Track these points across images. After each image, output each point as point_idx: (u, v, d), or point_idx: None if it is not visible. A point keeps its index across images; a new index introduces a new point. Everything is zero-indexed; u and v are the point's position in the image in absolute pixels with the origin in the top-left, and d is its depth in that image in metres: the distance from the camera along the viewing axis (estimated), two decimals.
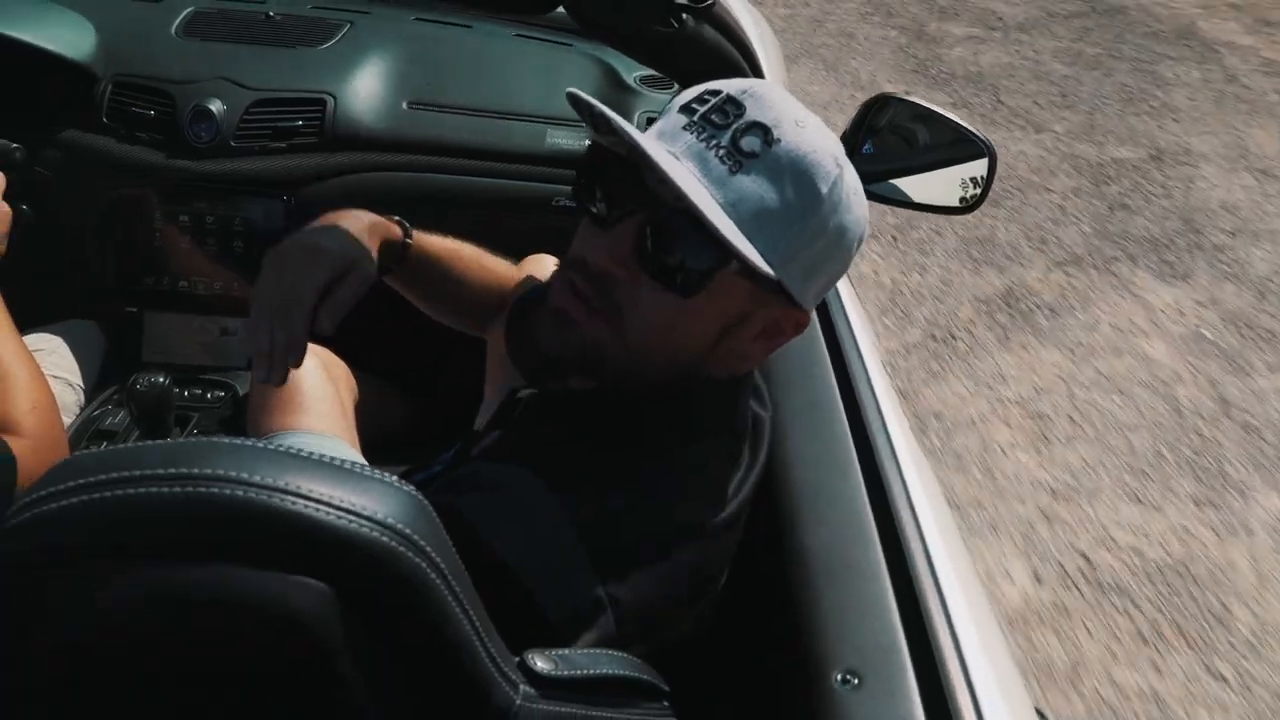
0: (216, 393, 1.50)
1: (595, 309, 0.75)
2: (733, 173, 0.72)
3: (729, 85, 0.76)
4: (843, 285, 1.13)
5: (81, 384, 1.48)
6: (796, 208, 0.72)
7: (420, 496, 0.48)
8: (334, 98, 1.51)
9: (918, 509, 0.82)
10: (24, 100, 1.50)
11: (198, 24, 1.62)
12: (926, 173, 1.39)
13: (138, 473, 0.43)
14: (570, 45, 1.69)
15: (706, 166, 0.72)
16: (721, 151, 0.72)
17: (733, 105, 0.73)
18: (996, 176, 1.31)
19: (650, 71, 1.59)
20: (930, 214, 1.46)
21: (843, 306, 1.09)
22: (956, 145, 1.34)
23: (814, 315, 1.05)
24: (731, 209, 0.71)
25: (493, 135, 1.51)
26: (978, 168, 1.32)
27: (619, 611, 0.69)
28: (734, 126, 0.72)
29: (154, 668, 0.45)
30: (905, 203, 1.38)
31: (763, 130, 0.72)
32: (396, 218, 1.02)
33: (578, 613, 0.67)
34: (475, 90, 1.56)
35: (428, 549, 0.47)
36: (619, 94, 1.57)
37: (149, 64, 1.53)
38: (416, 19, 1.70)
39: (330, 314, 0.87)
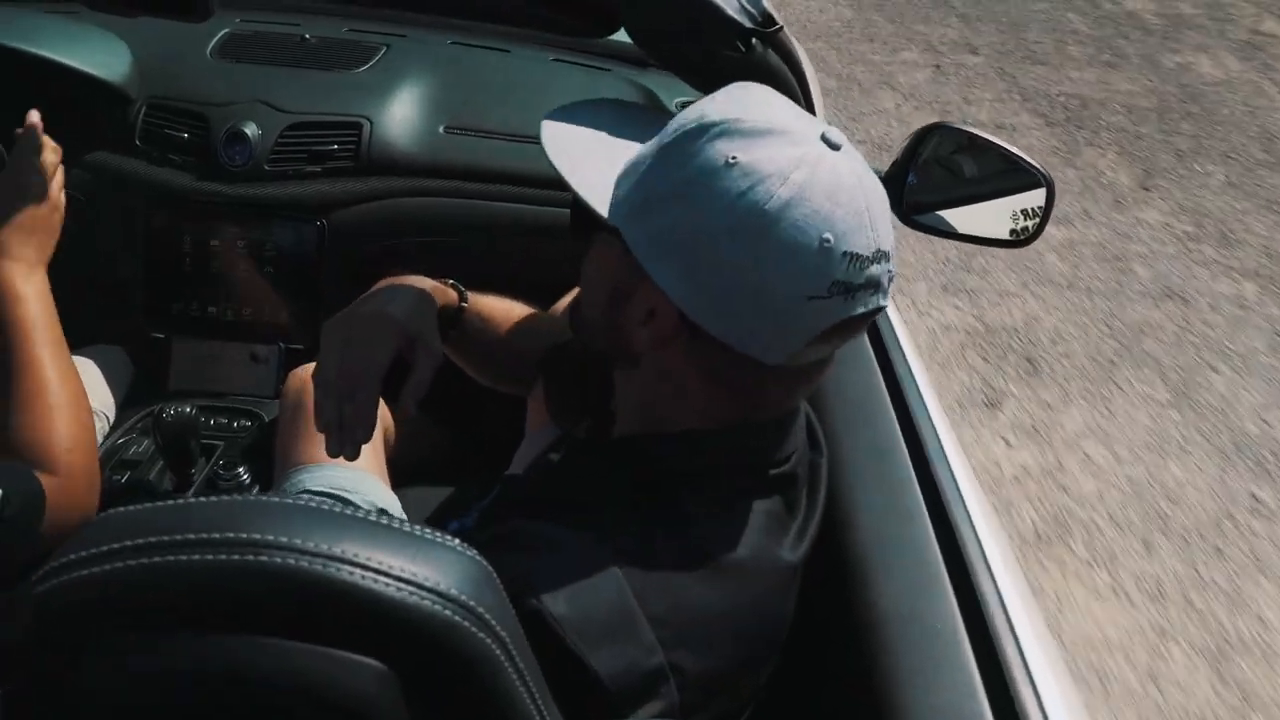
0: (243, 421, 1.46)
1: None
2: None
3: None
4: (898, 326, 1.09)
5: (106, 411, 1.45)
6: (647, 155, 0.71)
7: (484, 562, 0.44)
8: (370, 122, 1.48)
9: (990, 559, 0.77)
10: (56, 121, 1.48)
11: (233, 46, 1.60)
12: (977, 203, 1.35)
13: (180, 537, 0.39)
14: (609, 70, 1.66)
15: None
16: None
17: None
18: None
19: (692, 96, 1.55)
20: (982, 246, 1.41)
21: (900, 345, 1.04)
22: (1010, 175, 1.30)
23: (872, 356, 1.01)
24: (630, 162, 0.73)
25: (530, 161, 1.48)
26: (1033, 198, 1.28)
27: (681, 680, 0.66)
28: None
29: None
30: (952, 234, 1.33)
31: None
32: (451, 281, 1.01)
33: (638, 685, 0.64)
34: (513, 115, 1.53)
35: (492, 622, 0.43)
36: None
37: (183, 86, 1.51)
38: (453, 42, 1.68)
39: (411, 398, 0.87)
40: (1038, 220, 1.29)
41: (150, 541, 0.39)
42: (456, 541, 0.43)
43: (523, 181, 1.47)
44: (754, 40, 0.83)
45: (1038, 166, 1.27)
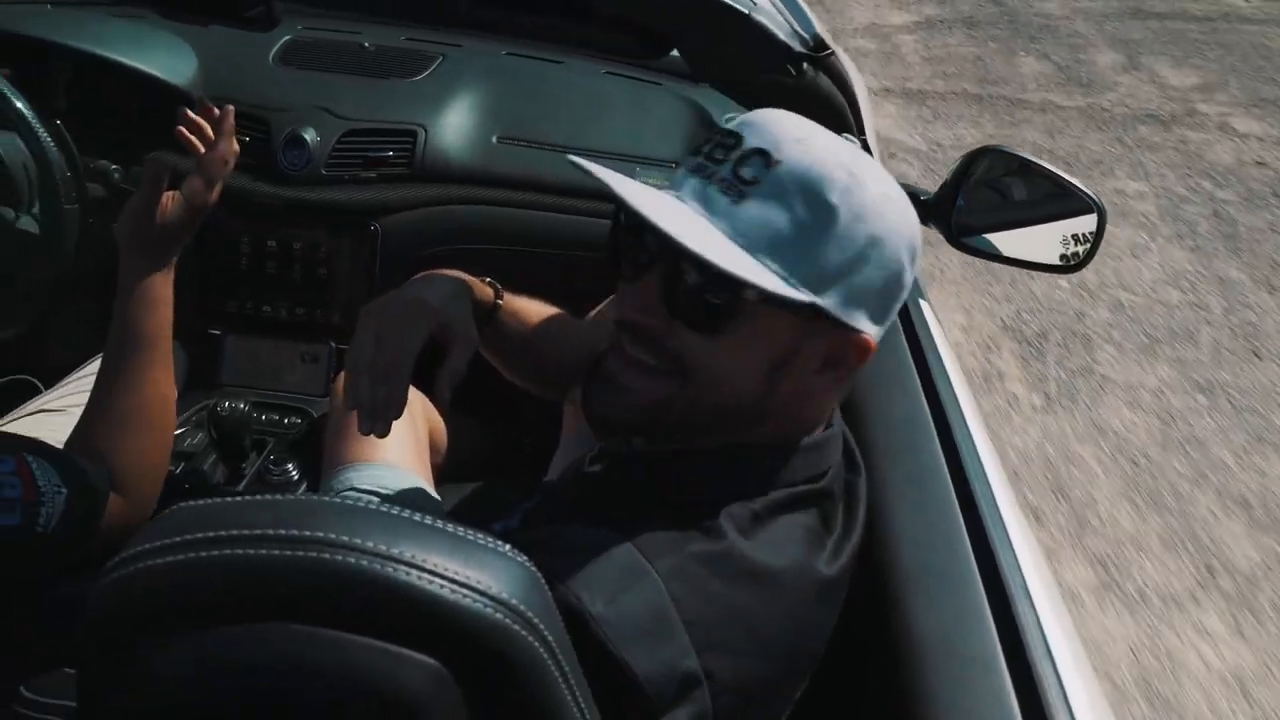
0: (293, 418, 1.49)
1: (658, 370, 0.75)
2: (735, 203, 0.70)
3: (730, 122, 0.75)
4: (944, 351, 1.09)
5: None
6: (809, 224, 0.70)
7: (532, 567, 0.46)
8: (425, 130, 1.51)
9: (1031, 588, 0.77)
10: (123, 122, 1.53)
11: (295, 53, 1.64)
12: (1027, 228, 1.34)
13: (245, 533, 0.41)
14: (660, 84, 1.67)
15: (709, 203, 0.71)
16: (723, 184, 0.71)
17: (731, 137, 0.72)
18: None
19: (743, 113, 1.56)
20: (1030, 271, 1.40)
21: (945, 370, 1.04)
22: (1061, 200, 1.30)
23: (916, 380, 1.01)
24: (742, 238, 0.69)
25: (579, 172, 1.49)
26: (1084, 224, 1.27)
27: (714, 685, 0.67)
28: (733, 157, 0.71)
29: None
30: (1000, 258, 1.33)
31: (761, 155, 0.70)
32: (488, 279, 1.02)
33: (673, 687, 0.65)
34: (565, 127, 1.55)
35: (539, 625, 0.44)
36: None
37: (246, 91, 1.55)
38: (509, 53, 1.70)
39: (447, 383, 0.88)
40: (1088, 246, 1.29)
41: (217, 535, 0.40)
42: (506, 547, 0.45)
43: (571, 193, 1.49)
44: (805, 64, 0.83)
45: (1089, 193, 1.26)
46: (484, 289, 1.01)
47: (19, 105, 1.28)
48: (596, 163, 1.30)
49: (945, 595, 0.75)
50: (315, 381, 1.54)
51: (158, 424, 1.01)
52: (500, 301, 1.03)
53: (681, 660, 0.66)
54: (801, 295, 0.70)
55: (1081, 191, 1.27)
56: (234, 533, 0.40)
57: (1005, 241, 1.33)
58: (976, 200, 1.32)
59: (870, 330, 0.74)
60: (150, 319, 1.03)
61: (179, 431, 1.43)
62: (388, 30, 1.72)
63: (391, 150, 1.50)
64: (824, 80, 0.87)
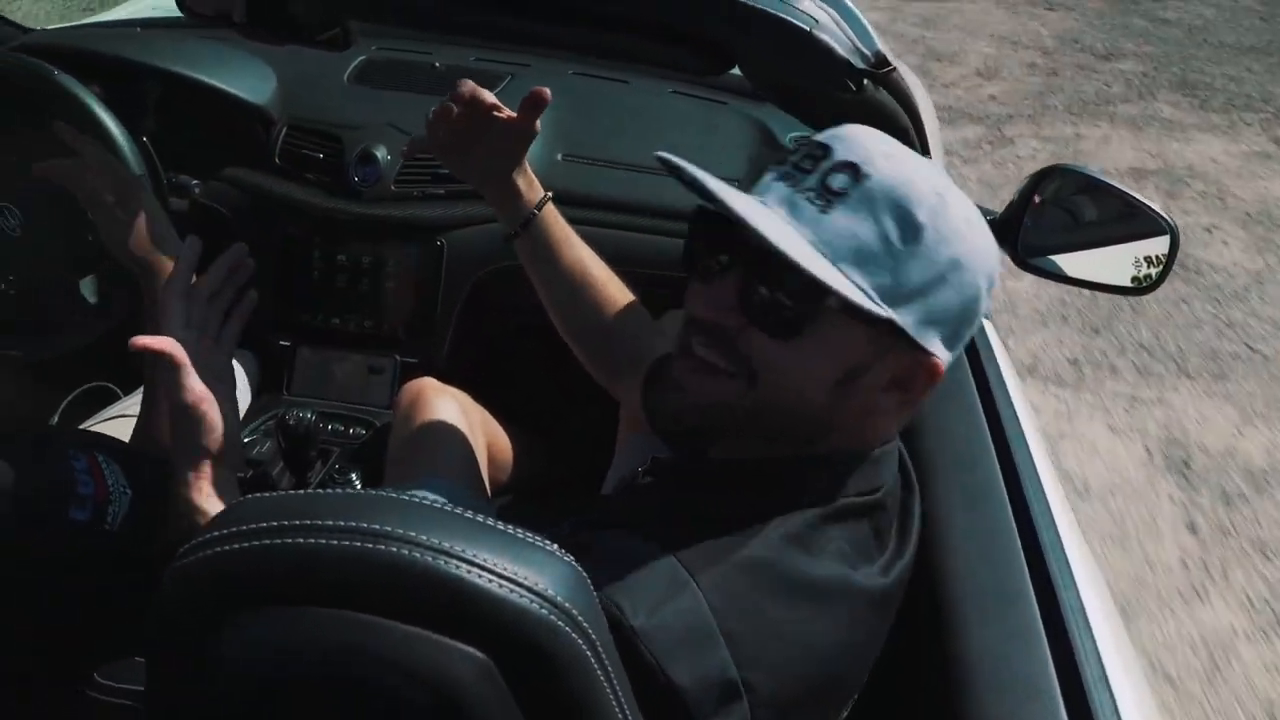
0: (358, 429, 1.53)
1: (719, 369, 0.75)
2: (823, 211, 0.71)
3: (819, 134, 0.76)
4: (1003, 365, 1.08)
5: None
6: (894, 239, 0.70)
7: (579, 568, 0.46)
8: None
9: (1089, 610, 0.75)
10: (204, 139, 1.59)
11: (368, 72, 1.68)
12: (1096, 249, 1.32)
13: (309, 523, 0.42)
14: (725, 104, 1.68)
15: (796, 210, 0.71)
16: (810, 194, 0.71)
17: (819, 149, 0.73)
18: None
19: (807, 132, 1.56)
20: (1099, 292, 1.37)
21: (1006, 389, 1.03)
22: (1132, 221, 1.27)
23: (976, 398, 1.00)
24: (826, 247, 0.70)
25: (644, 191, 1.51)
26: (1155, 245, 1.24)
27: (754, 699, 0.67)
28: (821, 168, 0.72)
29: (308, 714, 0.44)
30: (1069, 279, 1.31)
31: (851, 168, 0.71)
32: (549, 193, 1.06)
33: (712, 698, 0.65)
34: (629, 145, 1.56)
35: (585, 624, 0.45)
36: (773, 153, 1.55)
37: (322, 109, 1.60)
38: (575, 73, 1.73)
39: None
40: (1160, 268, 1.26)
41: (282, 524, 0.42)
42: (555, 547, 0.46)
43: (635, 210, 1.50)
44: (866, 81, 0.84)
45: (1161, 214, 1.24)
46: (535, 186, 1.07)
47: (109, 122, 1.33)
48: (661, 180, 1.33)
49: (998, 615, 0.74)
50: (380, 393, 1.58)
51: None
52: (542, 208, 1.07)
53: (722, 673, 0.65)
54: (880, 309, 0.70)
55: (1154, 212, 1.24)
56: (297, 522, 0.42)
57: (1073, 262, 1.31)
58: (1044, 220, 1.30)
59: (942, 354, 0.74)
60: None
61: (248, 439, 1.47)
62: (458, 50, 1.76)
63: None
64: (885, 97, 0.87)
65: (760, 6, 0.80)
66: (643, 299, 1.15)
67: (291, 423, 1.32)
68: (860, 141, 0.73)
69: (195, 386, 0.85)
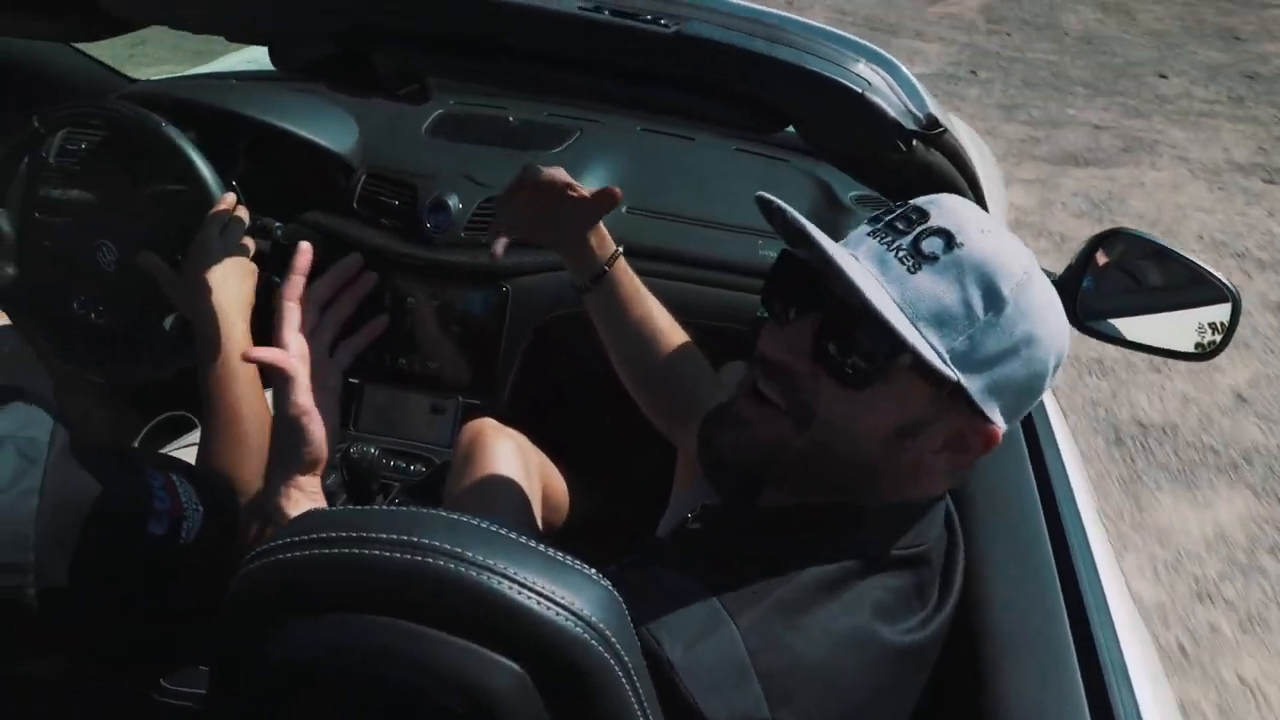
0: (419, 466, 1.57)
1: (780, 410, 0.77)
2: (911, 272, 0.73)
3: (917, 199, 0.78)
4: (1056, 423, 1.08)
5: None
6: (976, 308, 0.72)
7: (615, 592, 0.49)
8: None
9: (1133, 673, 0.75)
10: (289, 184, 1.67)
11: (445, 125, 1.76)
12: (1156, 314, 1.31)
13: (362, 534, 0.45)
14: (787, 161, 1.72)
15: (886, 267, 0.74)
16: (902, 253, 0.74)
17: (916, 212, 0.76)
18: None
19: (867, 191, 1.59)
20: (1159, 357, 1.36)
21: (1055, 444, 1.03)
22: (1192, 287, 1.26)
23: (1024, 451, 1.00)
24: (909, 306, 0.72)
25: (706, 244, 1.54)
26: (1217, 312, 1.24)
27: None
28: (916, 231, 0.74)
29: (351, 714, 0.47)
30: (1128, 343, 1.30)
31: (945, 235, 0.73)
32: (621, 248, 1.10)
33: None
34: (693, 200, 1.61)
35: (618, 647, 0.47)
36: (833, 212, 1.57)
37: (399, 158, 1.67)
38: (643, 129, 1.79)
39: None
40: (1223, 335, 1.25)
41: (337, 536, 0.45)
42: (593, 571, 0.48)
43: (697, 264, 1.54)
44: (915, 141, 0.86)
45: (1224, 281, 1.23)
46: (607, 242, 1.11)
47: (202, 167, 1.42)
48: (723, 234, 1.38)
49: (1039, 672, 0.74)
50: (442, 433, 1.62)
51: (265, 445, 1.09)
52: (613, 264, 1.11)
53: (754, 712, 0.67)
54: (950, 372, 0.72)
55: (1216, 279, 1.23)
56: (351, 534, 0.45)
57: (1132, 326, 1.30)
58: (1105, 283, 1.30)
59: (1000, 423, 0.76)
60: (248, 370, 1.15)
61: None
62: (531, 106, 1.83)
63: None
64: (936, 157, 0.89)
65: (813, 69, 0.84)
66: (703, 350, 1.18)
67: (356, 457, 1.37)
68: (958, 211, 0.76)
69: (300, 400, 0.89)
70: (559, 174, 1.07)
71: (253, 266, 1.26)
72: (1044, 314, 0.75)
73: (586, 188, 1.08)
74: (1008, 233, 0.77)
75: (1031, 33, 7.70)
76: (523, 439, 1.40)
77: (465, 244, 1.58)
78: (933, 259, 0.73)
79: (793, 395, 0.76)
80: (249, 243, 1.26)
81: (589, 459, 1.58)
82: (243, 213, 1.29)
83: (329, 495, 1.45)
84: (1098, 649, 0.75)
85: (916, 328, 0.71)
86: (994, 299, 0.72)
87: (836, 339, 0.74)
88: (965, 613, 0.82)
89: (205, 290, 1.17)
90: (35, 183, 1.46)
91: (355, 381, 1.66)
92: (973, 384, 0.73)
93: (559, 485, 1.48)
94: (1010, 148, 5.17)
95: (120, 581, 0.86)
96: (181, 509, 0.89)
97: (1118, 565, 0.90)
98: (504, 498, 1.30)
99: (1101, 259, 1.29)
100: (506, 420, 1.43)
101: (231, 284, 1.20)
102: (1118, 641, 0.76)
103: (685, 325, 1.51)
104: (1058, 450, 1.02)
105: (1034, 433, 1.04)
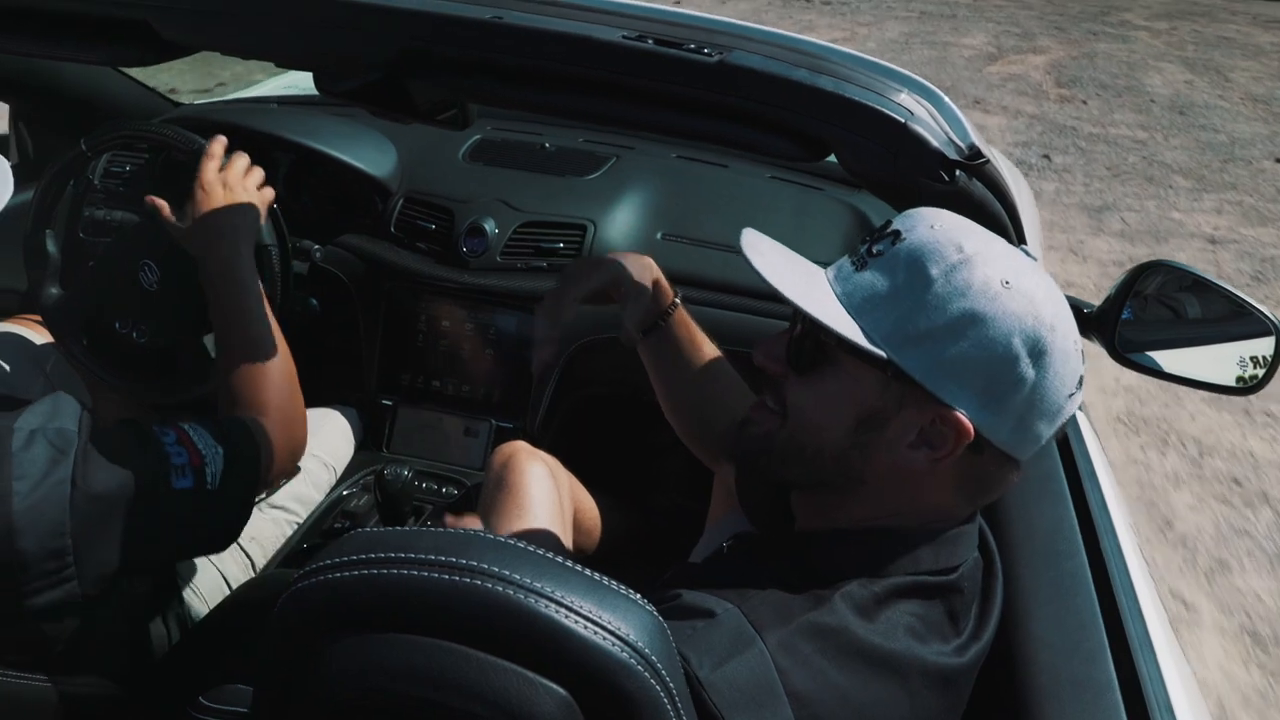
0: (450, 488, 1.58)
1: (772, 411, 0.83)
2: (857, 270, 0.79)
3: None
4: (1096, 459, 1.06)
5: (335, 464, 1.60)
6: (902, 289, 0.75)
7: (660, 618, 0.49)
8: (594, 224, 1.60)
9: (1177, 713, 0.73)
10: (328, 207, 1.70)
11: (483, 151, 1.78)
12: (1197, 346, 1.30)
13: (409, 555, 0.46)
14: (822, 190, 1.72)
15: (839, 272, 0.80)
16: (856, 258, 0.80)
17: (888, 226, 0.80)
18: None
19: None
20: (1198, 390, 1.34)
21: (1096, 479, 1.01)
22: (1235, 320, 1.25)
23: (1065, 487, 0.99)
24: (845, 298, 0.77)
25: (738, 271, 1.55)
26: (1261, 346, 1.22)
27: None
28: (875, 238, 0.80)
29: None
30: (1169, 375, 1.28)
31: (895, 235, 0.78)
32: (678, 292, 1.11)
33: None
34: (726, 227, 1.61)
35: (663, 671, 0.47)
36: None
37: (437, 183, 1.69)
38: (678, 156, 1.80)
39: (631, 324, 1.08)
40: (1266, 369, 1.23)
41: (386, 556, 0.46)
42: (638, 596, 0.48)
43: (730, 290, 1.54)
44: (958, 171, 0.86)
45: (1267, 313, 1.21)
46: (668, 291, 1.12)
47: None
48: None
49: (1080, 709, 0.72)
50: (474, 455, 1.63)
51: (283, 370, 1.15)
52: (673, 310, 1.12)
53: None
54: (871, 347, 0.74)
55: (1260, 312, 1.22)
56: (399, 555, 0.46)
57: (1173, 359, 1.29)
58: (1145, 315, 1.29)
59: (970, 411, 0.74)
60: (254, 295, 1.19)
61: (347, 492, 1.53)
62: (568, 132, 1.85)
63: (562, 242, 1.60)
64: (978, 187, 0.89)
65: (855, 98, 0.84)
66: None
67: (389, 477, 1.38)
68: (916, 215, 0.79)
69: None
70: (604, 270, 1.08)
71: (259, 196, 1.30)
72: (992, 293, 0.74)
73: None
74: (966, 226, 0.78)
75: (1111, 100, 6.57)
76: (554, 462, 1.40)
77: (500, 268, 1.60)
78: (878, 256, 0.78)
79: (776, 394, 0.83)
80: (250, 176, 1.31)
81: (621, 484, 1.58)
82: (241, 155, 1.33)
83: (361, 516, 1.46)
84: (1144, 693, 0.74)
85: (850, 315, 0.76)
86: (919, 278, 0.75)
87: (796, 342, 0.82)
88: (1004, 650, 0.81)
89: (208, 228, 1.21)
90: (80, 204, 1.49)
91: (389, 403, 1.67)
92: (909, 362, 0.74)
93: (590, 509, 1.48)
94: (1104, 275, 3.84)
95: (156, 545, 0.91)
96: (201, 457, 0.94)
97: (1161, 605, 0.89)
98: (535, 521, 1.30)
99: (1142, 292, 1.28)
100: (538, 443, 1.43)
101: (234, 218, 1.24)
102: (1163, 680, 0.75)
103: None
104: (1099, 486, 1.00)
105: (1074, 468, 1.02)
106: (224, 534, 1.02)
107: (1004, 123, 5.97)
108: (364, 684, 0.46)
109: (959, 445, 0.75)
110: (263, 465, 1.03)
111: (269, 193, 1.31)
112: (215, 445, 0.96)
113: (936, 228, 0.77)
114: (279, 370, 1.15)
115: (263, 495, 1.45)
